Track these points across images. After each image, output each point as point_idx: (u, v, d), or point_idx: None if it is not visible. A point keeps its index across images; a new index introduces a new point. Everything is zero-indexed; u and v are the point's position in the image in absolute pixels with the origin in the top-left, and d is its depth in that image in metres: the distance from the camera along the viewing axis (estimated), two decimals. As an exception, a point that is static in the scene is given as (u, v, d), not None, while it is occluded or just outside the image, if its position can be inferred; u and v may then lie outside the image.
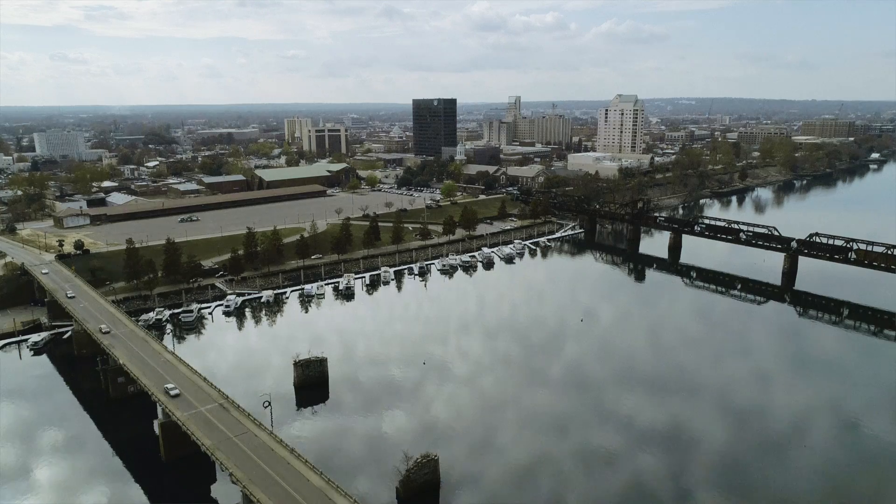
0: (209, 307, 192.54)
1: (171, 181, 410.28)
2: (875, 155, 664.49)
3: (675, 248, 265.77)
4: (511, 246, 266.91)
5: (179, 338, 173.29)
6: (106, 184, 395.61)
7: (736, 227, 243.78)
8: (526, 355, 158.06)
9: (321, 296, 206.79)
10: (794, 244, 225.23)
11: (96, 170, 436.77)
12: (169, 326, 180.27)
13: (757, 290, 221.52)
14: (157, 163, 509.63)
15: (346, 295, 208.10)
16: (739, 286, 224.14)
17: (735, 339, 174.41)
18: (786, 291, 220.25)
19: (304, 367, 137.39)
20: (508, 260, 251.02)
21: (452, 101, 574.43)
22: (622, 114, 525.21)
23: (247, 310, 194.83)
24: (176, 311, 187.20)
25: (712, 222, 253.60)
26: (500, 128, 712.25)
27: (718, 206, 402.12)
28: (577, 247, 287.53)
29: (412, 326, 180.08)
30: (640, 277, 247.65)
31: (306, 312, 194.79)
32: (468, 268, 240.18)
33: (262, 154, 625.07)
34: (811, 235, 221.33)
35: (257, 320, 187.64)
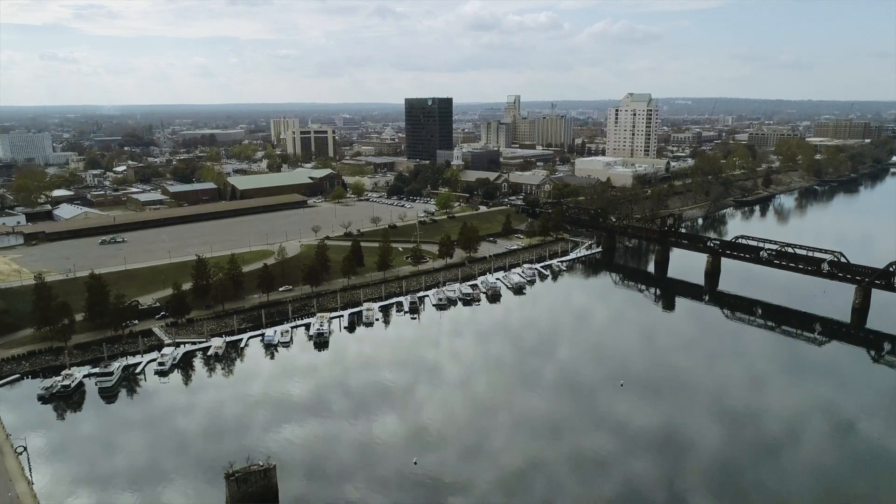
0: (140, 363, 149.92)
1: (133, 190, 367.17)
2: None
3: (713, 273, 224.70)
4: (520, 271, 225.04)
5: (88, 411, 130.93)
6: (59, 192, 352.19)
7: (791, 250, 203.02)
8: (558, 445, 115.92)
9: (286, 344, 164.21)
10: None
11: (45, 176, 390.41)
12: (84, 392, 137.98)
13: (817, 327, 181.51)
14: (125, 167, 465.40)
15: (319, 343, 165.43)
16: (795, 321, 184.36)
17: (805, 390, 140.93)
18: (856, 330, 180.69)
19: (242, 482, 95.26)
20: (518, 290, 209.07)
21: (448, 101, 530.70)
22: (634, 114, 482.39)
23: (192, 364, 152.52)
24: (95, 370, 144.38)
25: (761, 244, 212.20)
26: (498, 129, 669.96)
27: (746, 217, 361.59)
28: (595, 270, 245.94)
29: (399, 396, 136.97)
30: (675, 310, 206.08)
31: (264, 370, 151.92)
32: (470, 301, 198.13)
33: (244, 157, 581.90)
34: (892, 265, 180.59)
35: (197, 385, 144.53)
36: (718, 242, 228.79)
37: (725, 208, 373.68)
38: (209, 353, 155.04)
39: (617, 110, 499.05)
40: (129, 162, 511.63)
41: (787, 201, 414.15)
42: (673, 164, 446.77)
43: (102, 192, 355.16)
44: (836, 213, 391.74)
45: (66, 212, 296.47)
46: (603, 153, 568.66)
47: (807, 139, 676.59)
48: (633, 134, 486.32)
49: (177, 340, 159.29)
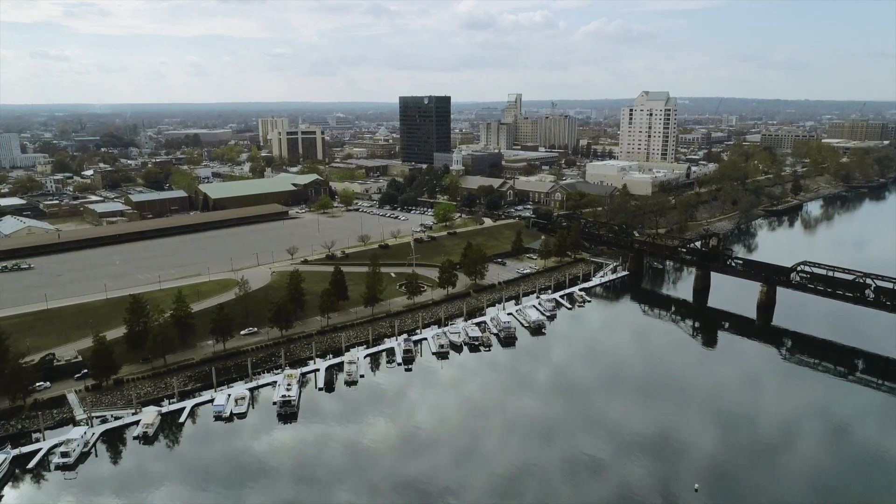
0: (39, 450, 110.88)
1: (93, 199, 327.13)
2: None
3: (767, 305, 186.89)
4: (536, 303, 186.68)
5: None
6: (8, 201, 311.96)
7: (872, 282, 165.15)
8: None
9: (242, 415, 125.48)
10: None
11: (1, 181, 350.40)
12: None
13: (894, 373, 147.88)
14: (92, 172, 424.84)
15: (284, 414, 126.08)
16: (875, 368, 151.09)
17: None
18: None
19: None
20: (536, 329, 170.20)
21: (446, 99, 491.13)
22: (650, 114, 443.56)
23: (110, 449, 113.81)
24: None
25: (829, 272, 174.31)
26: (499, 129, 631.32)
27: (775, 228, 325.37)
28: (624, 300, 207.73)
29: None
30: (726, 352, 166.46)
31: (207, 458, 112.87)
32: (478, 346, 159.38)
33: (227, 159, 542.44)
34: None
35: (112, 484, 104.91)
36: (774, 270, 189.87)
37: (755, 219, 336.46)
38: (137, 433, 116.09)
39: (631, 110, 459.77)
40: (101, 165, 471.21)
41: (821, 210, 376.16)
42: (694, 168, 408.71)
43: (58, 202, 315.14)
44: (890, 226, 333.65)
45: (7, 226, 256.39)
46: (610, 155, 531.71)
47: (823, 141, 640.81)
48: (650, 136, 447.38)
49: (92, 415, 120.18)
